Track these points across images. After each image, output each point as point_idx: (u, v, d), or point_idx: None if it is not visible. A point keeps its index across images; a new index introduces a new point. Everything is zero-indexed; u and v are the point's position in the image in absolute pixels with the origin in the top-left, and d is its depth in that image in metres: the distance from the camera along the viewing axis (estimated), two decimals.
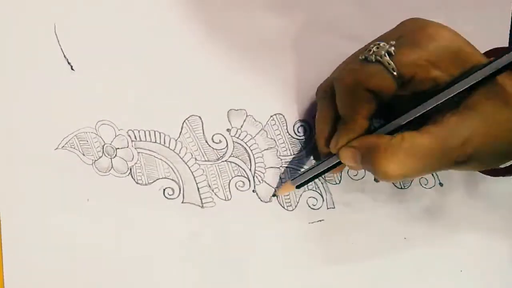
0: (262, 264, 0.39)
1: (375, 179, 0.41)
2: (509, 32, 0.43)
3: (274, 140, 0.40)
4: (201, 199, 0.38)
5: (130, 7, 0.38)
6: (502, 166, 0.38)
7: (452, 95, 0.32)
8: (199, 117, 0.39)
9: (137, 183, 0.37)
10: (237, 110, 0.39)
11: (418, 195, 0.42)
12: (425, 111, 0.33)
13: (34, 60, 0.36)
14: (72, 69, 0.37)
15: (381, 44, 0.33)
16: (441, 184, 0.42)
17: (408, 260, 0.41)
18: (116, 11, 0.38)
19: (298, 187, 0.38)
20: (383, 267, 0.40)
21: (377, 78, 0.32)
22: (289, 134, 0.40)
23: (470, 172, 0.42)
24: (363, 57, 0.33)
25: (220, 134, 0.39)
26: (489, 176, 0.42)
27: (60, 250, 0.36)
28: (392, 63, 0.32)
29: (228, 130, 0.39)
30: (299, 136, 0.40)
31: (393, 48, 0.32)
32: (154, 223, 0.37)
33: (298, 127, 0.40)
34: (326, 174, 0.38)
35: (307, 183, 0.38)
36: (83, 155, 0.37)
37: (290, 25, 0.40)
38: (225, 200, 0.39)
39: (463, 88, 0.31)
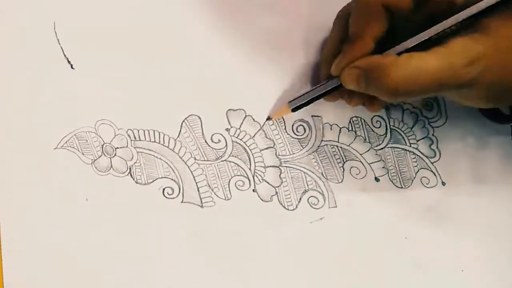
0: (263, 263, 0.38)
1: (375, 179, 0.41)
2: None
3: (273, 140, 0.40)
4: (200, 198, 0.38)
5: (130, 6, 0.38)
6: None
7: (463, 17, 0.32)
8: (198, 116, 0.39)
9: (136, 182, 0.37)
10: (236, 110, 0.39)
11: (420, 194, 0.41)
12: (435, 34, 0.33)
13: (33, 59, 0.36)
14: (72, 67, 0.37)
15: None
16: (443, 183, 0.42)
17: (409, 260, 0.40)
18: (116, 10, 0.38)
19: (293, 110, 0.38)
20: (384, 267, 0.40)
21: None
22: (288, 134, 0.40)
23: (472, 172, 0.42)
24: None
25: (219, 133, 0.39)
26: (490, 176, 0.42)
27: (59, 250, 0.35)
28: None
29: (227, 129, 0.39)
30: (298, 135, 0.40)
31: None
32: (153, 223, 0.37)
33: (297, 126, 0.40)
34: (323, 99, 0.37)
35: (303, 106, 0.37)
36: (83, 154, 0.36)
37: (290, 25, 0.41)
38: (225, 199, 0.38)
39: (476, 11, 0.32)
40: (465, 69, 0.32)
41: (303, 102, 0.37)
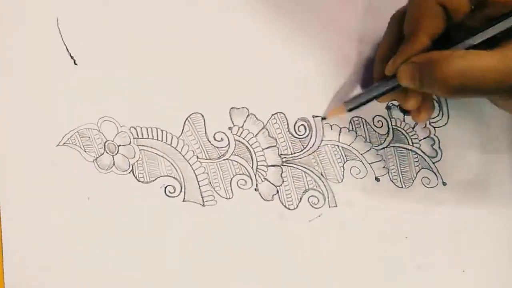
0: (264, 262, 0.38)
1: (376, 178, 0.41)
2: None
3: (275, 139, 0.40)
4: (202, 197, 0.38)
5: (133, 3, 0.38)
6: None
7: None
8: (201, 114, 0.39)
9: (138, 180, 0.37)
10: (239, 108, 0.39)
11: (420, 194, 0.41)
12: (495, 33, 0.32)
13: (36, 54, 0.36)
14: (75, 63, 0.37)
15: None
16: (444, 183, 0.42)
17: (409, 260, 0.41)
18: (119, 7, 0.38)
19: (350, 110, 0.38)
20: (384, 267, 0.40)
21: None
22: (290, 133, 0.40)
23: (473, 172, 0.42)
24: None
25: (222, 132, 0.39)
26: (490, 176, 0.42)
27: (60, 248, 0.35)
28: None
29: (229, 128, 0.39)
30: (300, 135, 0.40)
31: None
32: (155, 221, 0.37)
33: (299, 126, 0.40)
34: (379, 100, 0.38)
35: (359, 107, 0.38)
36: (85, 151, 0.36)
37: (291, 25, 0.40)
38: (227, 198, 0.39)
39: None
40: None
41: (360, 103, 0.37)
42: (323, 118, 0.39)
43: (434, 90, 0.33)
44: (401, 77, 0.35)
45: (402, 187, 0.41)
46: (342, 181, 0.41)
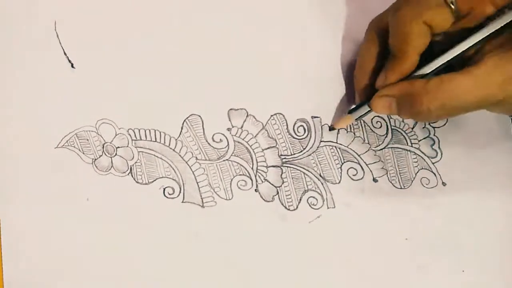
0: (263, 263, 0.38)
1: (374, 179, 0.41)
2: None
3: (275, 139, 0.40)
4: (201, 198, 0.38)
5: (130, 5, 0.38)
6: None
7: (491, 32, 0.32)
8: (200, 116, 0.39)
9: (137, 182, 0.37)
10: (237, 109, 0.39)
11: (420, 194, 0.41)
12: (462, 51, 0.33)
13: (34, 58, 0.36)
14: (72, 67, 0.37)
15: None
16: (444, 184, 0.42)
17: (409, 260, 0.40)
18: (116, 9, 0.38)
19: (357, 119, 0.39)
20: (384, 267, 0.40)
21: (436, 10, 0.32)
22: (289, 134, 0.40)
23: (473, 172, 0.42)
24: None
25: (221, 133, 0.39)
26: (490, 176, 0.42)
27: (59, 249, 0.35)
28: None
29: (228, 129, 0.39)
30: (299, 135, 0.40)
31: None
32: (154, 222, 0.37)
33: (298, 127, 0.40)
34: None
35: (365, 116, 0.38)
36: (83, 154, 0.36)
37: (291, 25, 0.41)
38: (226, 199, 0.38)
39: (501, 25, 0.32)
40: (501, 87, 0.32)
41: (364, 113, 0.38)
42: (332, 128, 0.40)
43: (415, 119, 0.35)
44: (376, 108, 0.36)
45: (401, 188, 0.41)
46: (339, 182, 0.41)
